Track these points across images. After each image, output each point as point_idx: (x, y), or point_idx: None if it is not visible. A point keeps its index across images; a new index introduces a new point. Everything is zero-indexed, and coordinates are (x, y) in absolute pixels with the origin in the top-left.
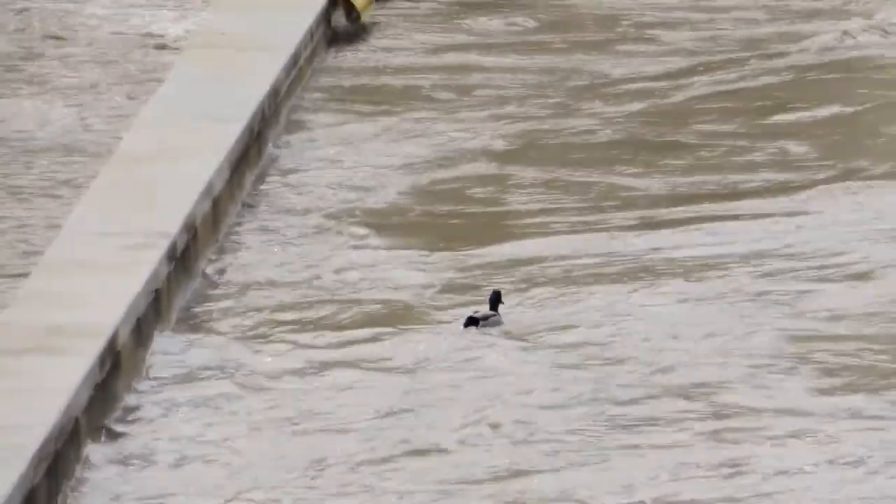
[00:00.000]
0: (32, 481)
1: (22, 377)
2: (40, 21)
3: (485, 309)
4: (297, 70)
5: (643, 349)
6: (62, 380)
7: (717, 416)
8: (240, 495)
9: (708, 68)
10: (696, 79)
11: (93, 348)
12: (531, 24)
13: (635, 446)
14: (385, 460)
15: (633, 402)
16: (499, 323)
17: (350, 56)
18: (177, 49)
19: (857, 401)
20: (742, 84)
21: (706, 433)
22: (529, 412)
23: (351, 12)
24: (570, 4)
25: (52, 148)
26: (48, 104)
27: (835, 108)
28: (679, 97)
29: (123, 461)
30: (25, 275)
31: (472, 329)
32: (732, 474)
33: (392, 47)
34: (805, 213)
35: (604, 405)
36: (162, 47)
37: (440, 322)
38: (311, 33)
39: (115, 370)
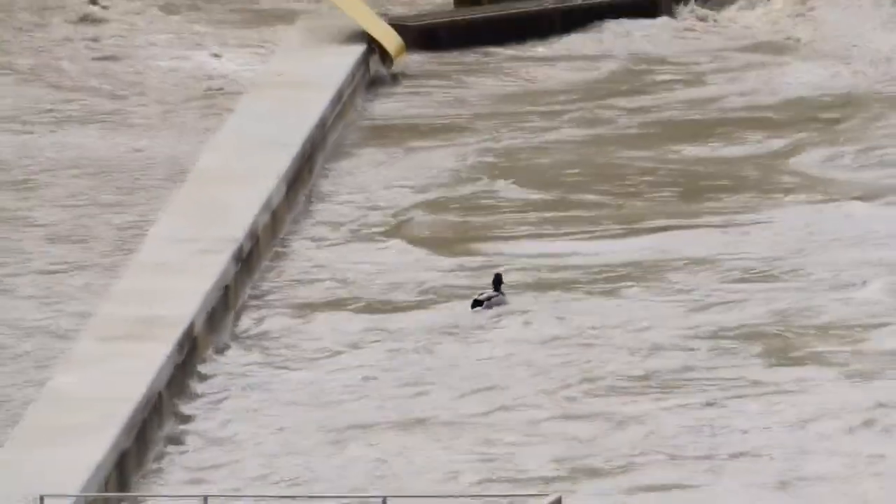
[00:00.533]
0: (124, 446)
1: (116, 359)
2: (129, 63)
3: (488, 291)
4: (341, 105)
5: (622, 333)
6: (149, 361)
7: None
8: (297, 449)
9: None
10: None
11: (173, 335)
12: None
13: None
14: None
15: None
16: (503, 302)
17: (383, 95)
18: (243, 87)
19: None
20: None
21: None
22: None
23: (385, 59)
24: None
25: (144, 168)
26: (137, 132)
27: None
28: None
29: (202, 432)
30: (118, 275)
31: (479, 308)
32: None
33: (417, 90)
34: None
35: (594, 382)
36: (232, 85)
37: (455, 301)
38: (352, 75)
39: (192, 352)
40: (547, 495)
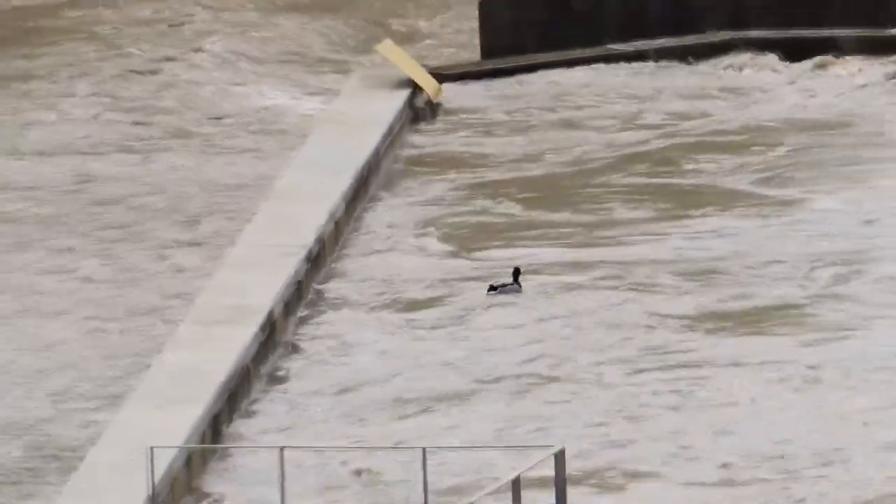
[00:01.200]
0: (216, 409)
1: (213, 339)
2: (216, 99)
3: (504, 280)
4: (391, 138)
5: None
6: (238, 340)
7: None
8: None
9: None
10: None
11: (257, 320)
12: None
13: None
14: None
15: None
16: (517, 291)
17: (424, 129)
18: (312, 123)
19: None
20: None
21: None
22: None
23: (425, 96)
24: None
25: (233, 188)
26: (229, 159)
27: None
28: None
29: (283, 397)
30: (208, 276)
31: (493, 293)
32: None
33: (451, 127)
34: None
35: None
36: (305, 122)
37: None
38: (400, 114)
39: (272, 333)
40: (552, 446)
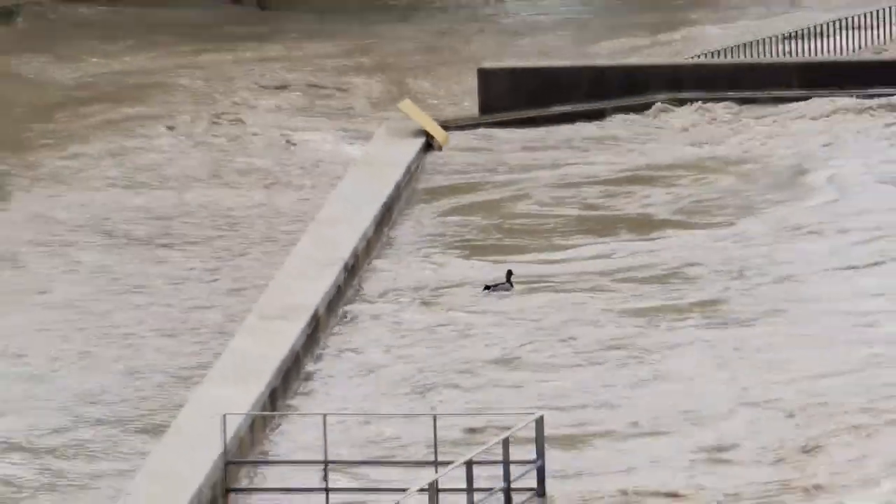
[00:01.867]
0: (273, 385)
1: (269, 331)
2: (279, 146)
3: (498, 281)
4: (410, 174)
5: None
6: (290, 332)
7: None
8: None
9: None
10: None
11: (305, 316)
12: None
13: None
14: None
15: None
16: (508, 289)
17: (434, 167)
18: (349, 163)
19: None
20: None
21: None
22: None
23: (436, 142)
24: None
25: (286, 215)
26: (278, 193)
27: None
28: None
29: (324, 376)
30: (268, 281)
31: (487, 291)
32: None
33: (456, 164)
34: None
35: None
36: (343, 161)
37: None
38: (418, 156)
39: (317, 327)
40: (532, 413)
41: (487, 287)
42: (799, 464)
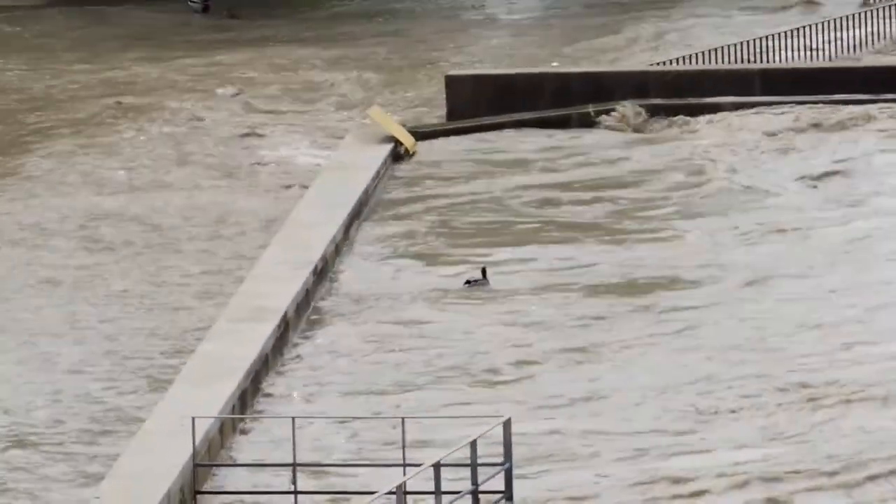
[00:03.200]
0: (243, 386)
1: (240, 332)
2: (256, 154)
3: (476, 276)
4: (378, 179)
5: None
6: (260, 333)
7: None
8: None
9: None
10: None
11: (274, 318)
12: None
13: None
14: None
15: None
16: (486, 284)
17: (402, 173)
18: (318, 169)
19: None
20: None
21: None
22: None
23: (404, 149)
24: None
25: (253, 219)
26: (256, 198)
27: None
28: None
29: (293, 378)
30: (242, 280)
31: (468, 286)
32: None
33: (422, 171)
34: None
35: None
36: (313, 167)
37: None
38: (385, 161)
39: (286, 330)
40: (500, 416)
41: (468, 282)
42: None
